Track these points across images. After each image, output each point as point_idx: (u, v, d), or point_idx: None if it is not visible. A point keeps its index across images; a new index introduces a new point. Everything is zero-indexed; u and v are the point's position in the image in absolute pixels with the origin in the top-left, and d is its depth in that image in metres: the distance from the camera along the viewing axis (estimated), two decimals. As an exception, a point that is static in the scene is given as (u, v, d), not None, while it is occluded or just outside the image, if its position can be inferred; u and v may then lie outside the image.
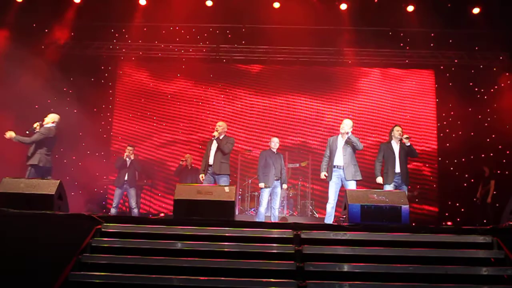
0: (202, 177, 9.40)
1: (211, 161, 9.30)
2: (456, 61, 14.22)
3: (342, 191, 8.20)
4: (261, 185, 9.96)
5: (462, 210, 13.27)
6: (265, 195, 9.92)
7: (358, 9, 12.32)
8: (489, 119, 13.69)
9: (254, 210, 12.60)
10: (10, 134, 9.19)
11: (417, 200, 13.35)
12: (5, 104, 11.35)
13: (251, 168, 13.79)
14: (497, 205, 11.85)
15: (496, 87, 13.73)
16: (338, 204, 8.75)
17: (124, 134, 14.88)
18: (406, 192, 8.15)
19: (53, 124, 9.66)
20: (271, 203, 10.11)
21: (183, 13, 12.41)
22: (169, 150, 14.79)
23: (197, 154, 13.87)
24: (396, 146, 8.98)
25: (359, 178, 8.74)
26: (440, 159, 14.27)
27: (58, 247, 5.59)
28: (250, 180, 13.18)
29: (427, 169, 14.09)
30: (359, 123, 13.98)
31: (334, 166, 8.81)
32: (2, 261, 5.37)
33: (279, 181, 10.06)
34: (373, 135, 14.02)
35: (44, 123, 9.58)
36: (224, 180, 9.19)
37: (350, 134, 8.75)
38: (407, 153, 9.00)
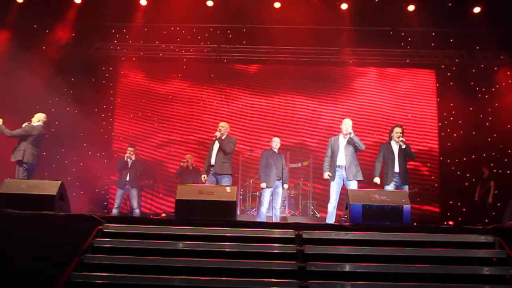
0: (204, 177, 9.40)
1: (213, 161, 9.31)
2: (457, 60, 14.22)
3: (344, 190, 8.20)
4: (263, 185, 9.96)
5: (464, 209, 13.26)
6: (266, 195, 9.92)
7: (358, 8, 12.32)
8: (490, 118, 13.68)
9: (255, 210, 12.60)
10: None
11: (418, 199, 13.34)
12: (5, 104, 11.34)
13: (252, 168, 13.79)
14: (498, 204, 11.86)
15: (497, 86, 13.73)
16: (339, 203, 8.76)
17: (125, 135, 14.88)
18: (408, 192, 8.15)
19: (39, 123, 9.90)
20: (272, 203, 10.11)
21: (183, 13, 12.41)
22: (170, 150, 14.79)
23: (198, 155, 13.87)
24: (395, 147, 9.00)
25: (361, 178, 8.77)
26: (441, 158, 14.27)
27: (60, 247, 5.60)
28: (251, 180, 13.18)
29: (428, 169, 14.08)
30: (360, 122, 13.96)
31: (336, 166, 8.82)
32: (4, 262, 5.38)
33: (281, 181, 10.06)
34: (374, 135, 14.01)
35: (32, 122, 9.83)
36: (226, 180, 9.19)
37: (352, 134, 8.77)
38: (405, 154, 9.01)
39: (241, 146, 13.91)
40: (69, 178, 11.92)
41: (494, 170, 13.06)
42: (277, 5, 12.20)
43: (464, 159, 13.78)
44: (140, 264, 5.44)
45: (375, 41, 13.56)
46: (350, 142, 8.81)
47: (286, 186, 10.30)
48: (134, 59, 14.93)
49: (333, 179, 8.80)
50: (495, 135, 13.54)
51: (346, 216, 7.03)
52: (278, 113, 14.83)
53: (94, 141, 14.11)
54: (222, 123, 9.57)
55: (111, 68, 15.05)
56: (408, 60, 14.47)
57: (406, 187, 8.83)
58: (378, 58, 14.43)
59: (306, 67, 14.81)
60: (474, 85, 14.06)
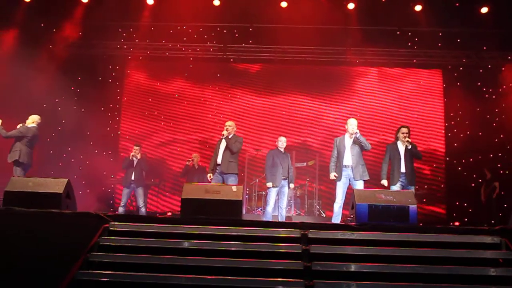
0: (210, 176, 9.41)
1: (219, 160, 9.32)
2: (464, 60, 14.18)
3: (349, 191, 8.20)
4: (269, 184, 9.96)
5: (470, 210, 13.23)
6: (272, 194, 9.92)
7: (365, 8, 12.31)
8: (497, 119, 13.64)
9: (261, 210, 12.60)
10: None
11: (424, 200, 13.29)
12: (12, 103, 11.39)
13: (258, 167, 13.78)
14: (505, 205, 11.83)
15: (504, 86, 13.69)
16: (345, 203, 8.76)
17: (131, 133, 14.91)
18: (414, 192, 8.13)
19: (34, 124, 10.12)
20: (278, 203, 10.11)
21: (190, 13, 12.43)
22: (176, 149, 14.81)
23: (204, 154, 13.88)
24: (401, 147, 8.98)
25: (367, 178, 8.77)
26: (447, 159, 14.24)
27: (66, 245, 5.62)
28: (257, 180, 13.19)
29: (434, 169, 14.03)
30: (366, 123, 13.94)
31: (343, 166, 8.82)
32: (10, 260, 5.40)
33: (287, 180, 10.05)
34: (380, 135, 13.98)
35: (26, 124, 10.04)
36: (232, 180, 9.19)
37: (358, 134, 8.76)
38: (412, 155, 8.99)
39: (247, 145, 13.91)
40: (75, 177, 11.95)
41: (501, 171, 13.06)
42: (283, 4, 12.20)
43: (471, 159, 13.74)
44: (146, 263, 5.44)
45: (381, 41, 13.54)
46: (356, 142, 8.81)
47: (292, 185, 10.30)
48: (140, 58, 14.96)
49: (339, 179, 8.81)
50: (502, 135, 13.50)
51: (352, 216, 7.02)
52: (284, 112, 14.82)
53: (100, 140, 14.17)
54: (229, 122, 9.57)
55: (117, 67, 15.08)
56: (415, 60, 14.45)
57: (413, 187, 8.81)
58: (384, 58, 14.42)
59: (312, 67, 14.79)
60: (481, 85, 14.02)
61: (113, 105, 14.99)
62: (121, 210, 11.51)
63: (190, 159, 12.76)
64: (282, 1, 12.21)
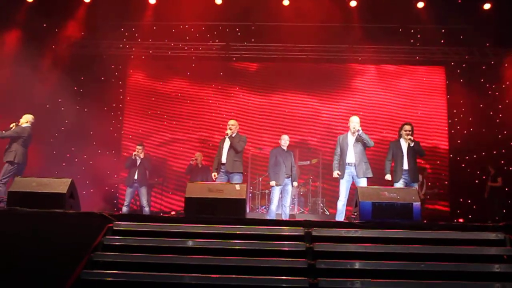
0: (214, 175, 9.41)
1: (224, 160, 9.32)
2: (466, 57, 14.17)
3: (353, 188, 8.20)
4: (272, 183, 9.96)
5: (474, 207, 13.22)
6: (276, 193, 9.92)
7: (367, 6, 12.31)
8: (500, 115, 13.62)
9: (265, 208, 12.62)
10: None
11: (428, 196, 13.28)
12: (15, 103, 11.41)
13: (261, 166, 13.79)
14: (510, 202, 11.82)
15: (507, 83, 13.65)
16: (349, 201, 8.75)
17: (134, 133, 14.94)
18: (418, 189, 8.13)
19: (28, 124, 10.14)
20: (282, 201, 10.10)
21: (192, 11, 12.43)
22: (179, 148, 14.83)
23: (206, 152, 13.88)
24: (404, 144, 8.97)
25: (370, 175, 8.77)
26: (451, 156, 14.22)
27: (70, 245, 5.64)
28: (260, 178, 13.20)
29: (438, 166, 14.01)
30: (369, 120, 13.93)
31: (346, 164, 8.83)
32: (14, 260, 5.42)
33: (290, 178, 10.05)
34: (384, 132, 13.95)
35: (19, 123, 10.06)
36: (237, 178, 9.20)
37: (361, 131, 8.77)
38: (415, 152, 8.98)
39: (251, 143, 13.89)
40: (79, 176, 11.92)
41: (505, 168, 13.06)
42: (285, 2, 12.20)
43: (474, 156, 13.73)
44: (150, 262, 5.46)
45: (383, 38, 13.53)
46: (358, 139, 8.81)
47: (295, 183, 10.28)
48: (143, 57, 14.97)
49: (343, 177, 8.82)
50: (505, 132, 13.47)
51: (355, 213, 7.03)
52: (286, 110, 14.83)
53: (103, 140, 14.18)
54: (231, 121, 9.56)
55: (120, 67, 15.09)
56: (417, 57, 14.45)
57: (416, 184, 8.81)
58: (387, 55, 14.42)
59: (314, 65, 14.80)
60: (484, 81, 14.01)
61: (116, 105, 15.01)
62: (124, 209, 11.52)
63: (193, 158, 12.78)
64: (284, 0, 12.20)
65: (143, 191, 11.67)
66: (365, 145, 8.83)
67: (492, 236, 5.86)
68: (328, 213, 12.81)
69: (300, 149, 13.98)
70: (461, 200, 13.54)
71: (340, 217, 8.71)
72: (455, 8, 12.06)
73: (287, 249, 5.70)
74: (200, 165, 12.66)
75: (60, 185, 7.07)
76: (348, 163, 8.81)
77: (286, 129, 14.10)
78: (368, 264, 5.39)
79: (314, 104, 14.84)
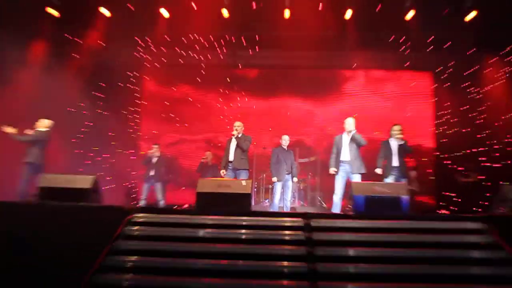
0: (223, 172, 9.49)
1: (231, 158, 9.40)
2: (452, 63, 14.19)
3: (348, 183, 8.28)
4: (274, 179, 10.05)
5: (458, 200, 13.25)
6: (277, 188, 10.01)
7: (362, 16, 12.30)
8: (483, 116, 13.60)
9: (268, 201, 12.69)
10: (10, 129, 9.73)
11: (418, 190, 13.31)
12: (42, 108, 11.51)
13: (266, 163, 13.83)
14: (488, 194, 11.88)
15: (490, 86, 13.66)
16: (344, 194, 8.84)
17: (150, 134, 15.02)
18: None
19: (47, 129, 10.21)
20: (283, 195, 10.19)
21: (202, 23, 12.44)
22: (192, 148, 14.91)
23: (217, 152, 13.95)
24: (394, 143, 9.06)
25: (364, 171, 8.86)
26: (438, 153, 14.27)
27: (94, 235, 5.73)
28: (264, 175, 13.26)
29: (425, 163, 14.04)
30: (363, 121, 13.90)
31: (341, 161, 8.92)
32: (45, 248, 5.52)
33: (290, 175, 10.12)
34: (376, 133, 13.96)
35: (38, 127, 10.13)
36: (243, 174, 9.29)
37: (354, 132, 8.85)
38: (404, 150, 9.06)
39: (256, 143, 13.95)
40: (101, 173, 12.06)
41: (487, 164, 13.15)
42: (287, 14, 12.24)
43: (459, 154, 13.77)
44: (165, 249, 5.54)
45: (377, 46, 13.54)
46: (352, 139, 8.89)
47: (295, 179, 10.37)
48: (157, 65, 15.03)
49: (338, 173, 8.91)
50: (487, 131, 13.48)
51: (350, 206, 7.11)
52: (289, 113, 14.89)
53: (122, 140, 14.30)
54: (237, 123, 9.65)
55: (137, 74, 15.18)
56: (407, 63, 14.47)
57: (404, 180, 8.89)
58: (379, 61, 14.45)
59: (311, 71, 14.88)
60: (467, 86, 14.02)
61: (133, 108, 15.10)
62: (142, 203, 11.64)
63: (204, 157, 12.87)
64: (285, 11, 12.24)
65: (159, 186, 11.78)
66: (358, 144, 8.91)
67: (472, 225, 5.92)
68: (325, 206, 12.88)
69: (300, 148, 14.04)
70: (446, 193, 13.58)
71: (336, 209, 8.79)
72: (442, 18, 12.05)
73: (288, 238, 5.77)
74: (210, 163, 12.74)
75: (84, 181, 7.18)
76: (343, 161, 8.91)
77: (285, 130, 14.10)
78: (361, 251, 5.46)
79: (310, 107, 14.89)
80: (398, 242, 5.65)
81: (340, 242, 5.68)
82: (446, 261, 5.32)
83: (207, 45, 14.06)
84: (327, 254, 5.43)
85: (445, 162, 13.86)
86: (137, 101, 15.24)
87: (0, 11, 11.16)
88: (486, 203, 12.01)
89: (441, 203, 13.63)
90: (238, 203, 6.81)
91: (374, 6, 12.06)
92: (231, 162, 9.40)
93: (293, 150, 10.96)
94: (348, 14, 12.25)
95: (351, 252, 5.47)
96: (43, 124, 10.20)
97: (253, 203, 12.08)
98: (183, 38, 13.84)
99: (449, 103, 14.10)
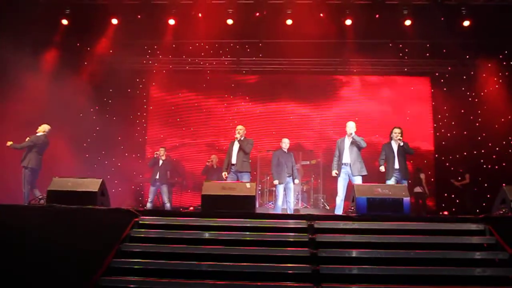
0: (225, 175, 9.39)
1: (234, 160, 9.30)
2: (449, 68, 14.19)
3: (350, 184, 8.20)
4: (275, 182, 9.95)
5: (457, 201, 13.15)
6: (280, 190, 9.90)
7: (361, 23, 12.22)
8: (480, 119, 13.55)
9: (272, 204, 12.60)
10: (9, 143, 9.78)
11: (427, 194, 13.21)
12: (53, 114, 11.47)
13: (269, 166, 13.73)
14: (488, 196, 11.79)
15: (485, 91, 13.58)
16: (347, 196, 8.74)
17: (157, 138, 14.97)
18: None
19: (43, 133, 10.16)
20: (286, 197, 10.07)
21: (207, 31, 12.41)
22: (196, 152, 14.84)
23: (221, 155, 13.88)
24: (395, 146, 8.97)
25: (365, 173, 8.76)
26: (436, 156, 14.18)
27: (101, 237, 5.68)
28: (268, 177, 13.19)
29: (425, 165, 13.92)
30: (364, 124, 13.81)
31: (342, 164, 8.85)
32: (53, 250, 5.44)
33: (291, 177, 10.01)
34: (376, 136, 13.82)
35: (37, 131, 10.14)
36: (246, 177, 9.18)
37: (353, 134, 8.78)
38: (404, 151, 8.97)
39: (259, 146, 13.87)
40: (108, 177, 11.96)
41: (484, 166, 13.07)
42: (289, 22, 12.17)
43: (457, 156, 13.70)
44: (171, 252, 5.48)
45: (376, 53, 13.48)
46: (353, 142, 8.82)
47: (296, 181, 10.22)
48: (164, 71, 15.00)
49: (340, 176, 8.84)
50: (484, 134, 13.42)
51: (352, 208, 7.02)
52: (291, 117, 14.81)
53: (129, 144, 14.29)
54: (239, 126, 9.53)
55: (144, 80, 15.15)
56: (406, 69, 14.44)
57: (405, 181, 8.79)
58: (379, 67, 14.43)
59: (314, 76, 14.84)
60: (465, 90, 13.99)
61: (140, 114, 15.06)
62: (149, 205, 11.57)
63: (210, 160, 12.79)
64: (287, 19, 12.17)
65: (165, 189, 11.70)
66: (359, 147, 8.82)
67: (473, 227, 5.85)
68: (328, 208, 12.78)
69: (303, 152, 13.97)
70: (445, 195, 13.47)
71: (339, 211, 8.70)
72: (439, 25, 11.98)
73: (292, 240, 5.71)
74: (215, 166, 12.66)
75: (92, 185, 7.12)
76: (344, 163, 8.83)
77: (288, 134, 14.02)
78: (364, 253, 5.39)
79: (311, 111, 14.81)
80: (401, 243, 5.58)
81: (343, 243, 5.61)
82: (447, 262, 5.23)
83: (211, 52, 14.03)
84: (330, 256, 5.37)
85: (444, 164, 13.77)
86: (144, 106, 15.20)
87: (13, 20, 11.13)
88: (479, 205, 11.99)
89: (443, 205, 13.51)
90: (242, 205, 6.73)
91: (373, 14, 12.02)
92: (233, 164, 9.30)
93: (296, 154, 10.87)
94: (348, 22, 12.14)
95: (354, 253, 5.41)
96: (42, 129, 10.18)
97: (257, 205, 11.99)
98: (190, 47, 13.82)
99: (445, 107, 14.02)
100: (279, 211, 9.84)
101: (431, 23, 11.98)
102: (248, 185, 7.02)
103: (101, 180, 7.26)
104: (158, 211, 9.53)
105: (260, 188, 13.40)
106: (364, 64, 14.28)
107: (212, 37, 13.05)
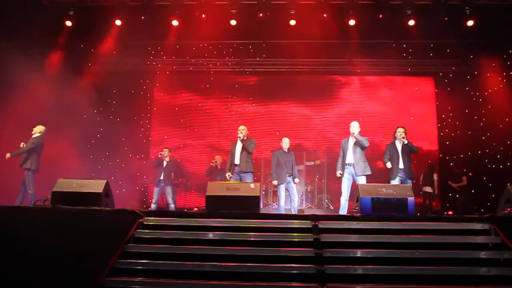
0: (228, 175, 9.37)
1: (237, 161, 9.27)
2: (453, 68, 14.17)
3: (355, 185, 8.18)
4: (275, 182, 9.93)
5: (466, 201, 13.09)
6: (281, 191, 9.87)
7: (365, 24, 12.21)
8: (484, 119, 13.54)
9: (276, 204, 12.55)
10: (8, 155, 9.80)
11: (421, 192, 13.14)
12: (58, 115, 11.50)
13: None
14: (493, 196, 11.76)
15: (489, 90, 13.57)
16: (351, 196, 8.72)
17: (161, 139, 14.98)
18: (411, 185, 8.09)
19: (40, 134, 10.14)
20: (291, 196, 10.03)
21: (210, 32, 12.41)
22: (200, 152, 14.84)
23: (225, 156, 13.87)
24: (399, 145, 8.96)
25: (369, 172, 8.75)
26: (441, 155, 14.16)
27: (106, 238, 5.66)
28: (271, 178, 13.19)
29: (429, 165, 13.87)
30: (368, 124, 13.79)
31: (346, 164, 8.84)
32: (58, 251, 5.43)
33: (291, 177, 9.96)
34: (381, 136, 13.80)
35: (33, 133, 10.11)
36: (249, 178, 9.17)
37: (356, 133, 8.77)
38: (409, 150, 8.95)
39: (262, 147, 13.85)
40: (113, 178, 12.01)
41: (488, 166, 13.04)
42: (292, 22, 12.16)
43: (461, 156, 13.68)
44: (176, 252, 5.47)
45: (380, 53, 13.47)
46: (356, 142, 8.81)
47: (297, 180, 10.12)
48: (167, 72, 15.01)
49: (343, 176, 8.83)
50: (488, 134, 13.42)
51: (357, 208, 7.00)
52: (294, 118, 14.80)
53: (134, 145, 14.31)
54: (242, 127, 9.51)
55: (147, 81, 15.19)
56: (409, 69, 14.42)
57: (410, 181, 8.77)
58: (383, 67, 14.43)
59: (319, 77, 14.86)
60: (469, 89, 13.97)
61: (144, 114, 15.09)
62: (153, 206, 11.56)
63: (214, 161, 12.77)
64: (291, 20, 12.16)
65: (169, 190, 11.69)
66: (363, 146, 8.81)
67: (478, 226, 5.82)
68: (332, 208, 12.78)
69: (307, 152, 13.96)
70: (450, 194, 13.43)
71: (343, 211, 8.69)
72: (442, 25, 11.97)
73: (296, 240, 5.69)
74: (219, 167, 12.65)
75: (96, 186, 7.11)
76: (348, 163, 8.83)
77: (289, 134, 13.97)
78: (368, 253, 5.36)
79: (313, 112, 14.83)
80: (405, 243, 5.54)
81: (347, 243, 5.58)
82: (453, 262, 5.20)
83: (215, 53, 14.04)
84: (335, 256, 5.34)
85: (448, 164, 13.74)
86: (148, 107, 15.22)
87: (17, 22, 11.16)
88: (475, 207, 12.02)
89: (447, 205, 13.49)
90: (246, 205, 6.72)
91: (376, 14, 12.00)
92: (236, 165, 9.28)
93: (300, 154, 10.83)
94: (352, 22, 12.13)
95: (358, 253, 5.37)
96: (38, 130, 10.16)
97: (261, 206, 11.97)
98: (193, 48, 13.83)
99: (449, 107, 14.00)
100: (282, 212, 9.82)
101: (435, 23, 11.97)
102: (252, 185, 7.01)
103: (106, 181, 7.25)
104: (162, 212, 9.53)
105: (264, 188, 13.39)
106: (367, 64, 14.28)
107: (215, 38, 13.04)
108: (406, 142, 8.85)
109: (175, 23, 12.43)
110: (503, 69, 13.21)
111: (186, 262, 5.26)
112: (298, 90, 14.81)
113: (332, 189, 13.39)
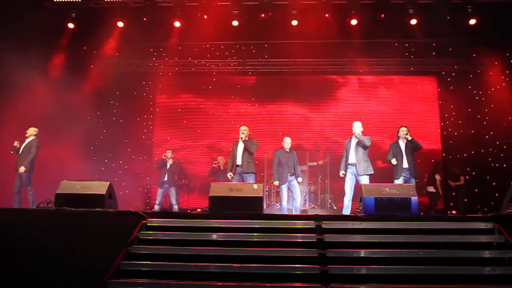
0: (230, 175, 9.37)
1: (239, 161, 9.27)
2: (455, 67, 14.11)
3: (358, 185, 8.18)
4: (276, 183, 9.89)
5: (465, 200, 13.06)
6: (283, 191, 9.83)
7: (367, 23, 12.20)
8: (487, 118, 13.48)
9: (279, 204, 12.55)
10: (22, 168, 9.59)
11: (424, 191, 13.11)
12: (61, 117, 11.52)
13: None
14: (497, 195, 11.74)
15: (492, 89, 13.51)
16: (355, 195, 8.71)
17: (163, 140, 14.97)
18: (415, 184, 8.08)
19: (35, 136, 10.05)
20: (293, 196, 10.01)
21: (213, 33, 12.39)
22: (203, 153, 14.84)
23: (227, 156, 13.86)
24: (402, 144, 8.96)
25: (371, 172, 8.74)
26: (444, 155, 14.12)
27: (110, 240, 5.68)
28: (275, 178, 13.19)
29: (432, 164, 13.85)
30: (371, 124, 13.76)
31: (349, 164, 8.84)
32: (62, 253, 5.45)
33: (294, 176, 9.93)
34: (384, 135, 13.78)
35: (27, 135, 10.00)
36: (251, 178, 9.16)
37: (357, 133, 8.77)
38: (413, 148, 8.94)
39: (265, 148, 13.84)
40: (116, 179, 11.99)
41: (492, 164, 13.02)
42: (294, 22, 12.15)
43: (465, 155, 13.65)
44: (179, 253, 5.48)
45: (382, 52, 13.45)
46: (359, 142, 8.81)
47: (300, 179, 10.07)
48: (170, 74, 15.01)
49: (346, 176, 8.83)
50: (491, 132, 13.36)
51: (360, 208, 7.00)
52: (297, 117, 14.77)
53: (136, 147, 14.30)
54: (243, 127, 9.49)
55: (150, 82, 15.18)
56: (412, 68, 14.38)
57: (414, 180, 8.76)
58: (385, 67, 14.40)
59: (322, 77, 14.83)
60: (471, 88, 13.92)
61: (147, 116, 15.08)
62: (156, 207, 11.58)
63: (216, 161, 12.76)
64: (293, 20, 12.15)
65: (172, 191, 11.71)
66: (365, 146, 8.79)
67: (482, 225, 5.82)
68: (336, 208, 12.76)
69: (310, 152, 13.95)
70: (453, 194, 13.39)
71: (347, 211, 8.68)
72: (445, 24, 11.94)
73: (300, 240, 5.70)
74: (222, 168, 12.64)
75: (100, 187, 7.13)
76: (350, 163, 8.83)
77: (292, 134, 13.93)
78: (372, 253, 5.37)
79: (316, 112, 14.80)
80: (409, 243, 5.55)
81: (351, 244, 5.59)
82: (456, 262, 5.20)
83: (217, 53, 14.04)
84: (338, 256, 5.35)
85: (452, 163, 13.71)
86: (151, 108, 15.22)
87: (20, 24, 11.18)
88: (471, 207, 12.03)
89: (451, 204, 13.46)
90: (250, 206, 6.72)
91: (378, 14, 12.00)
92: (238, 166, 9.28)
93: (303, 154, 10.82)
94: (354, 21, 12.11)
95: (362, 253, 5.39)
96: (33, 132, 10.05)
97: (264, 206, 11.97)
98: (196, 49, 13.83)
99: (452, 106, 13.99)
100: (285, 212, 9.81)
101: (437, 22, 11.94)
102: (255, 186, 7.01)
103: (109, 182, 7.28)
104: (165, 213, 9.53)
105: (267, 189, 13.38)
106: (370, 64, 14.24)
107: (217, 38, 13.04)
108: (410, 138, 8.85)
109: (177, 24, 12.43)
110: (506, 67, 13.14)
111: (190, 263, 5.26)
112: (301, 90, 14.77)
113: (335, 189, 13.38)
